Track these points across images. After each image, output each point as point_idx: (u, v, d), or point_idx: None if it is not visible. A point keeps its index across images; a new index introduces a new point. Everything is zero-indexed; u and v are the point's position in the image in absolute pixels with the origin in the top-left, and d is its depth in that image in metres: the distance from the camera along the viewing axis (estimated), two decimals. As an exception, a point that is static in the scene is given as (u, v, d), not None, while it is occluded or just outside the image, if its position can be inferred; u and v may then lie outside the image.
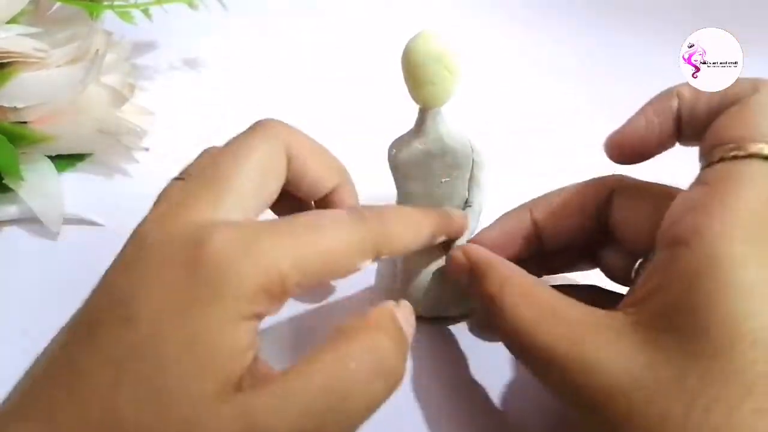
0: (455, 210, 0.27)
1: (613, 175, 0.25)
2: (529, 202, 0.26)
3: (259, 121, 0.22)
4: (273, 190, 0.21)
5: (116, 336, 0.17)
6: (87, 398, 0.16)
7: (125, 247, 0.19)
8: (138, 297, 0.17)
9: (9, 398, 0.18)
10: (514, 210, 0.26)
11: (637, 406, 0.17)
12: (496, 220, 0.27)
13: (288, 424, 0.16)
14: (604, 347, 0.18)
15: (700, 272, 0.17)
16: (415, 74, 0.25)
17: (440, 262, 0.28)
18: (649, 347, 0.17)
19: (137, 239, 0.19)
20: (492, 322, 0.22)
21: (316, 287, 0.24)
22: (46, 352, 0.18)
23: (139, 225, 0.19)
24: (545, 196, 0.26)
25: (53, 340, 0.18)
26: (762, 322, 0.16)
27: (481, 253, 0.24)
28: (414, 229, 0.23)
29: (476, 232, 0.28)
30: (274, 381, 0.17)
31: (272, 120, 0.22)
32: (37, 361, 0.18)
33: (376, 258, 0.20)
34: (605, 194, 0.24)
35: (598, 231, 0.25)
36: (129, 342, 0.17)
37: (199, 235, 0.18)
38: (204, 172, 0.20)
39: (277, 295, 0.18)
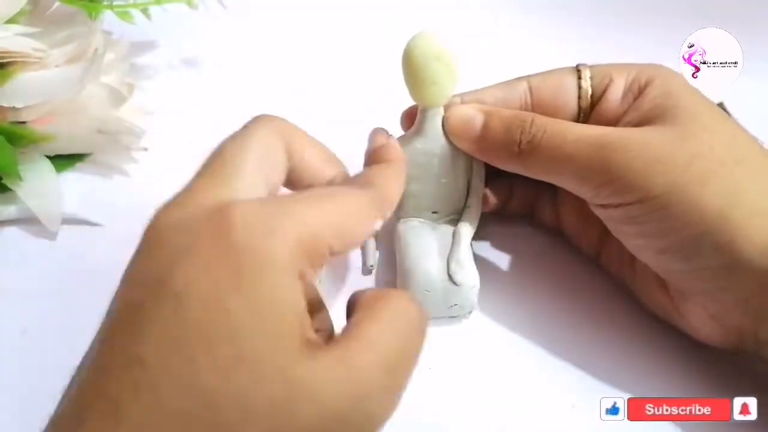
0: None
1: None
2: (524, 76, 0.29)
3: (258, 116, 0.22)
4: (276, 180, 0.22)
5: (166, 315, 0.16)
6: (155, 386, 0.16)
7: (144, 234, 0.18)
8: (177, 274, 0.17)
9: (62, 403, 0.17)
10: (512, 80, 0.29)
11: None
12: (495, 84, 0.29)
13: (378, 373, 0.17)
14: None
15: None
16: (416, 74, 0.25)
17: (436, 263, 0.28)
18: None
19: (156, 224, 0.18)
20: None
21: (342, 255, 0.24)
22: (92, 350, 0.17)
23: (155, 214, 0.19)
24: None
25: (94, 339, 0.18)
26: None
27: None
28: (397, 187, 0.24)
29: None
30: (337, 343, 0.17)
31: (270, 115, 0.23)
32: (85, 361, 0.17)
33: (384, 219, 0.22)
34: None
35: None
36: (183, 318, 0.16)
37: (222, 211, 0.18)
38: (212, 161, 0.20)
39: (314, 257, 0.18)
